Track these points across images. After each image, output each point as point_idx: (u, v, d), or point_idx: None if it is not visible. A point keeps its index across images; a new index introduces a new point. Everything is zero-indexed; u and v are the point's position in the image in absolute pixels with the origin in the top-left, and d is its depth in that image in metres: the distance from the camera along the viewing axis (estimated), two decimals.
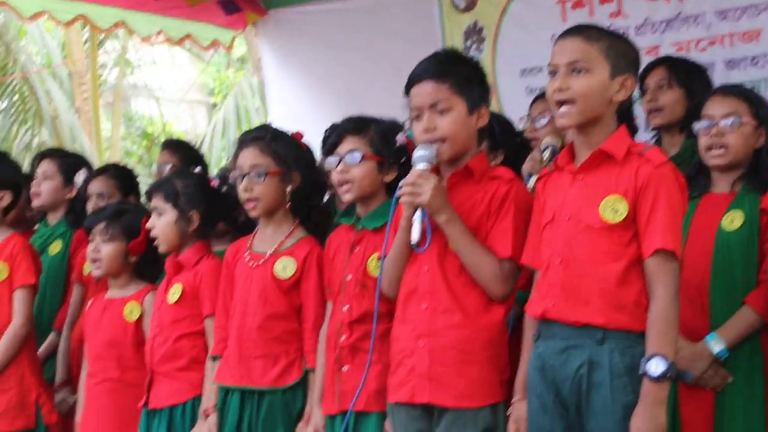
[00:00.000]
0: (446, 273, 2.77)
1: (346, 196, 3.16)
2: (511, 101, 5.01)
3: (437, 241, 2.75)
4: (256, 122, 8.11)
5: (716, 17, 4.67)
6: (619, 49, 2.61)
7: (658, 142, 3.99)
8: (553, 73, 2.59)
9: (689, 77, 3.88)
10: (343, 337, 3.10)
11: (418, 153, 2.76)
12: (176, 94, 13.64)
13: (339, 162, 3.13)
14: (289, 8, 6.00)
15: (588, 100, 2.54)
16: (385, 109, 3.26)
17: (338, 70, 5.79)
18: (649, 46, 4.61)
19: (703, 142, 3.14)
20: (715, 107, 3.16)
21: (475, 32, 5.43)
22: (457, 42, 5.40)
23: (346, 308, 3.10)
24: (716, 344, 2.95)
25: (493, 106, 4.88)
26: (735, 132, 3.11)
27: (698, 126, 3.18)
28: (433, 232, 2.73)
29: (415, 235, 2.71)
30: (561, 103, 2.57)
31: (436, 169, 2.77)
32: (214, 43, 6.38)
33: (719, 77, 4.24)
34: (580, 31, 2.63)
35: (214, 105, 13.19)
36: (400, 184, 2.75)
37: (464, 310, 2.75)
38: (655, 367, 2.39)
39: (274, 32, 6.17)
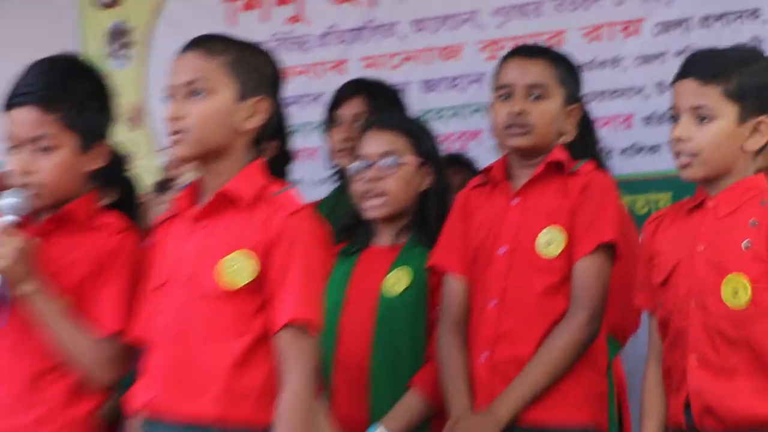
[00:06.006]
0: (25, 356, 2.30)
1: None
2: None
3: (17, 316, 2.28)
4: None
5: (412, 28, 3.93)
6: (250, 64, 2.21)
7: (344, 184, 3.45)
8: (172, 96, 2.16)
9: (388, 106, 3.39)
10: None
11: (6, 200, 2.29)
12: None
13: None
14: None
15: (205, 128, 2.15)
16: None
17: None
18: (336, 59, 4.02)
19: (357, 188, 2.71)
20: (371, 145, 2.75)
21: (120, 35, 4.52)
22: (99, 45, 4.45)
23: None
24: None
25: (142, 133, 4.30)
26: (393, 175, 2.75)
27: (353, 168, 2.75)
28: (15, 305, 2.28)
29: None
30: (175, 133, 2.17)
31: (26, 219, 2.29)
32: None
33: (415, 101, 3.66)
34: (202, 44, 2.22)
35: None
36: None
37: (45, 403, 2.25)
38: None
39: None
